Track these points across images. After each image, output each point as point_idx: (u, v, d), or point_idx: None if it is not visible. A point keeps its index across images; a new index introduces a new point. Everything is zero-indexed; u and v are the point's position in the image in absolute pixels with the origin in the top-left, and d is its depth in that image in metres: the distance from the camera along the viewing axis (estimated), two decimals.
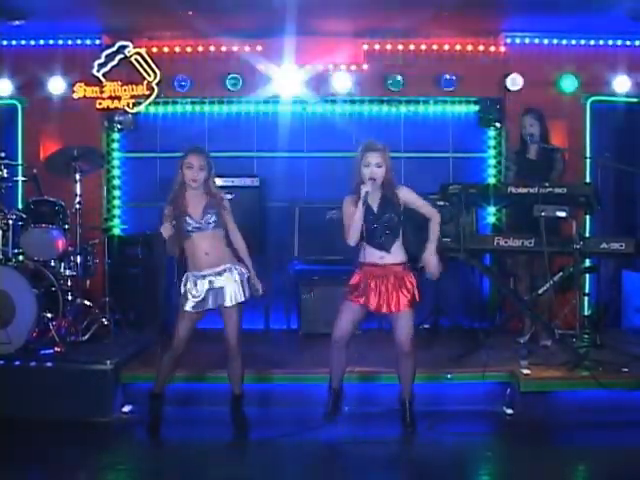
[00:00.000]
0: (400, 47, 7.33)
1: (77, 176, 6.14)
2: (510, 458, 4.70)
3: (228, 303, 4.70)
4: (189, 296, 4.70)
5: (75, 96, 7.15)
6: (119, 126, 7.40)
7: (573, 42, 7.31)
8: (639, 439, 4.95)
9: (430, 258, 4.68)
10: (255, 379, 5.38)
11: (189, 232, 4.70)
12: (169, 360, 4.86)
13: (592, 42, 7.31)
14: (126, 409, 5.33)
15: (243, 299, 4.74)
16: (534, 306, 5.99)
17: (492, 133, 7.55)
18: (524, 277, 6.31)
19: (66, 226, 6.19)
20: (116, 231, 7.38)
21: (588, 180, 7.00)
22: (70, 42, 7.29)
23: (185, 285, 4.73)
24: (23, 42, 7.26)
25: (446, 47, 7.34)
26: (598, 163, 6.48)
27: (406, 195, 4.71)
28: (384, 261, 4.67)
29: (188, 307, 4.70)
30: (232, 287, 4.71)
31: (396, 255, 4.69)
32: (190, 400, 5.40)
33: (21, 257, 6.08)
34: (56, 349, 5.66)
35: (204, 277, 4.70)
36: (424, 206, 4.76)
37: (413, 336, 4.73)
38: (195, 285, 4.70)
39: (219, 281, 4.70)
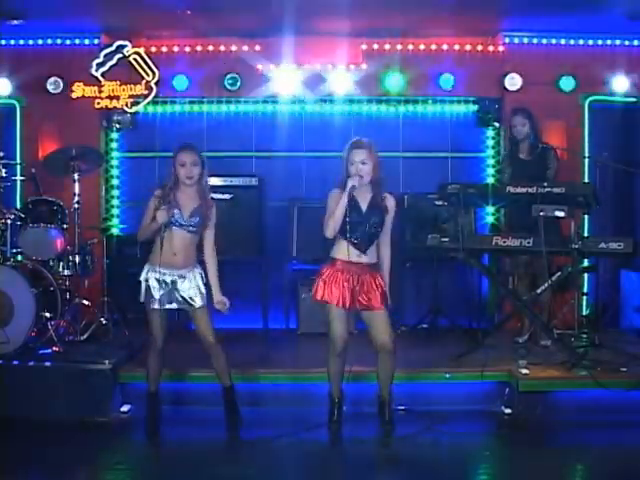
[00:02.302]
0: (399, 47, 7.34)
1: (76, 176, 6.13)
2: (508, 458, 4.70)
3: (194, 305, 4.72)
4: (152, 293, 4.70)
5: (74, 96, 7.15)
6: (118, 126, 7.40)
7: (571, 42, 7.32)
8: (638, 439, 4.96)
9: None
10: (254, 378, 5.39)
11: (170, 224, 4.67)
12: (154, 360, 4.86)
13: (590, 42, 7.31)
14: (124, 409, 5.32)
15: (199, 305, 4.73)
16: (533, 306, 6.00)
17: (491, 133, 7.56)
18: (523, 277, 6.32)
19: (65, 226, 6.19)
20: (115, 231, 7.38)
21: (587, 180, 7.01)
22: (69, 42, 7.29)
23: (146, 280, 4.72)
24: (22, 42, 7.26)
25: (445, 47, 7.35)
26: (596, 163, 6.50)
27: (390, 208, 4.74)
28: (361, 259, 4.69)
29: (155, 305, 4.70)
30: (195, 289, 4.72)
31: (371, 255, 4.73)
32: (189, 400, 5.40)
33: (20, 257, 6.08)
34: (54, 349, 5.66)
35: (165, 275, 4.70)
36: (387, 235, 4.76)
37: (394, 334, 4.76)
38: (158, 282, 4.69)
39: (181, 283, 4.70)
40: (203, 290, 4.75)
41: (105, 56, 7.12)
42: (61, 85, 7.17)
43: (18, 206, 6.64)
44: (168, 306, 4.74)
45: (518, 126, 6.22)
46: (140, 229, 4.80)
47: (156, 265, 4.71)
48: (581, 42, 7.32)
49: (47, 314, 5.79)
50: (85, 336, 6.04)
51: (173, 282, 4.70)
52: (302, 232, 6.94)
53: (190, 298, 4.72)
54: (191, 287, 4.73)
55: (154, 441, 4.89)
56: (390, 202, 4.75)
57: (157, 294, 4.70)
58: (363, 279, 4.68)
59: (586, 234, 6.66)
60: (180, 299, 4.72)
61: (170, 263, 4.70)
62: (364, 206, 4.71)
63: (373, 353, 4.83)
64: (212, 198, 4.90)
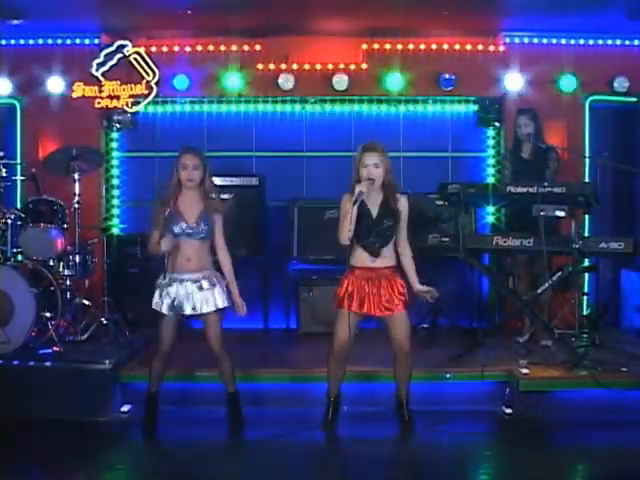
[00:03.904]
0: (399, 47, 7.33)
1: (76, 175, 6.13)
2: (509, 458, 4.70)
3: (205, 310, 4.69)
4: (164, 299, 4.69)
5: (74, 95, 7.14)
6: (118, 125, 7.40)
7: (572, 42, 7.31)
8: (638, 439, 4.95)
9: (420, 288, 4.75)
10: (254, 378, 5.39)
11: (177, 235, 4.67)
12: (158, 362, 4.87)
13: (591, 42, 7.31)
14: (125, 409, 5.32)
15: (221, 306, 4.72)
16: (533, 306, 5.99)
17: (491, 132, 7.54)
18: (523, 277, 6.32)
19: (65, 225, 6.19)
20: (115, 231, 7.38)
21: (587, 180, 7.00)
22: (69, 41, 7.28)
23: (160, 286, 4.70)
24: (22, 41, 7.25)
25: (445, 46, 7.33)
26: (597, 162, 6.49)
27: (403, 209, 4.72)
28: (375, 264, 4.68)
29: (165, 310, 4.70)
30: (209, 294, 4.69)
31: (387, 259, 4.71)
32: (188, 400, 5.39)
33: (20, 256, 6.08)
34: (55, 349, 5.66)
35: (182, 281, 4.69)
36: (403, 233, 4.76)
37: (411, 336, 4.75)
38: (170, 287, 4.68)
39: (196, 288, 4.67)
40: (217, 296, 4.71)
41: (105, 56, 7.12)
42: (61, 85, 7.17)
43: (18, 206, 6.65)
44: (179, 312, 4.70)
45: (521, 126, 6.23)
46: (150, 243, 4.69)
47: (172, 271, 4.71)
48: (581, 42, 7.31)
49: (47, 314, 5.78)
50: (85, 336, 6.03)
51: (186, 287, 4.68)
52: (302, 232, 6.94)
53: (202, 303, 4.68)
54: (204, 292, 4.69)
55: (152, 440, 4.88)
56: (402, 203, 4.71)
57: (167, 300, 4.68)
58: (380, 284, 4.66)
59: (586, 234, 6.66)
60: (193, 305, 4.68)
61: (184, 269, 4.69)
62: (375, 210, 4.69)
63: (375, 353, 4.84)
64: (223, 199, 4.86)
